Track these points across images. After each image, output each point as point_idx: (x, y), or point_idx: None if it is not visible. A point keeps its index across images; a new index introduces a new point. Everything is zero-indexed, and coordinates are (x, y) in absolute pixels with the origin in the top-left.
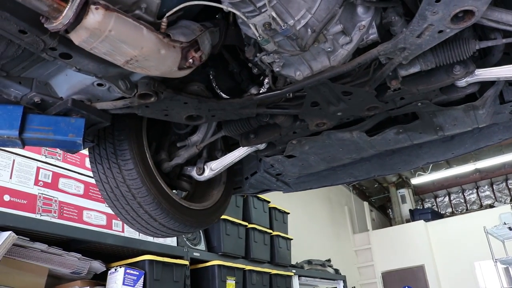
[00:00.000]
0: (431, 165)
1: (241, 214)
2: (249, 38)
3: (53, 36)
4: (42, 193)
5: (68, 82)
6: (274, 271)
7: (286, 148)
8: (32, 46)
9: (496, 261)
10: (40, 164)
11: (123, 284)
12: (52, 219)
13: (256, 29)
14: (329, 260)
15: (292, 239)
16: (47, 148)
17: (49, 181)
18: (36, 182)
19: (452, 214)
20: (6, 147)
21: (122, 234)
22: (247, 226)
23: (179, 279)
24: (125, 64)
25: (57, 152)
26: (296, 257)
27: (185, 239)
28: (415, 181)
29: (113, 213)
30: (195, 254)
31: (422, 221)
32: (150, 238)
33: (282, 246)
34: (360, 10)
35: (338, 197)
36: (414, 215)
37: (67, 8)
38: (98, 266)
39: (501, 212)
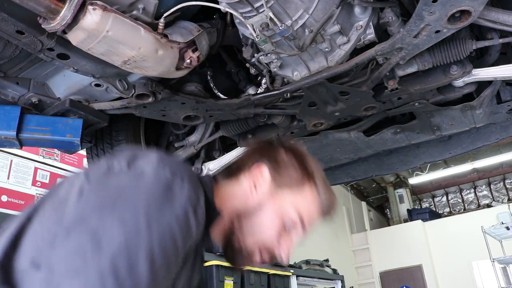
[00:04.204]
0: (429, 164)
1: None
2: (247, 39)
3: (51, 37)
4: (39, 194)
5: (66, 83)
6: (272, 271)
7: None
8: (30, 47)
9: (493, 261)
10: (37, 165)
11: None
12: None
13: (254, 29)
14: (327, 260)
15: None
16: (44, 149)
17: (47, 181)
18: (34, 183)
19: (450, 213)
20: (3, 147)
21: None
22: None
23: None
24: (122, 64)
25: (54, 153)
26: (294, 257)
27: None
28: (413, 181)
29: None
30: None
31: (420, 221)
32: None
33: None
34: (357, 10)
35: (336, 197)
36: (412, 215)
37: (64, 9)
38: None
39: (499, 211)
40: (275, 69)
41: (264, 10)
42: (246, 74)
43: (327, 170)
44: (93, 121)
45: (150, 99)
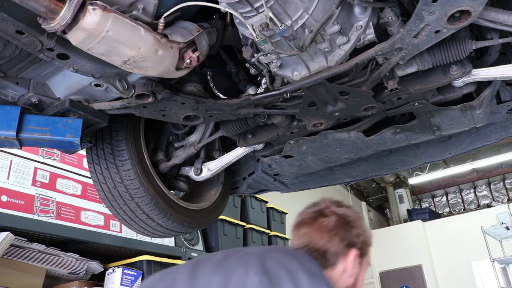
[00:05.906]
0: (429, 165)
1: (239, 214)
2: (247, 39)
3: (51, 37)
4: (39, 194)
5: (66, 83)
6: None
7: (283, 148)
8: (30, 47)
9: (493, 261)
10: (37, 165)
11: (121, 284)
12: (50, 220)
13: (254, 29)
14: None
15: (290, 239)
16: (44, 149)
17: (47, 181)
18: (34, 183)
19: (450, 214)
20: (3, 147)
21: (119, 234)
22: (245, 226)
23: None
24: (122, 64)
25: (54, 153)
26: None
27: (182, 239)
28: (412, 181)
29: (110, 213)
30: (192, 254)
31: (419, 221)
32: (147, 239)
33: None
34: (357, 10)
35: (335, 197)
36: (412, 215)
37: (64, 9)
38: (95, 266)
39: (499, 211)
40: (275, 69)
41: (264, 10)
42: (246, 74)
43: (327, 170)
44: (93, 121)
45: (150, 99)
